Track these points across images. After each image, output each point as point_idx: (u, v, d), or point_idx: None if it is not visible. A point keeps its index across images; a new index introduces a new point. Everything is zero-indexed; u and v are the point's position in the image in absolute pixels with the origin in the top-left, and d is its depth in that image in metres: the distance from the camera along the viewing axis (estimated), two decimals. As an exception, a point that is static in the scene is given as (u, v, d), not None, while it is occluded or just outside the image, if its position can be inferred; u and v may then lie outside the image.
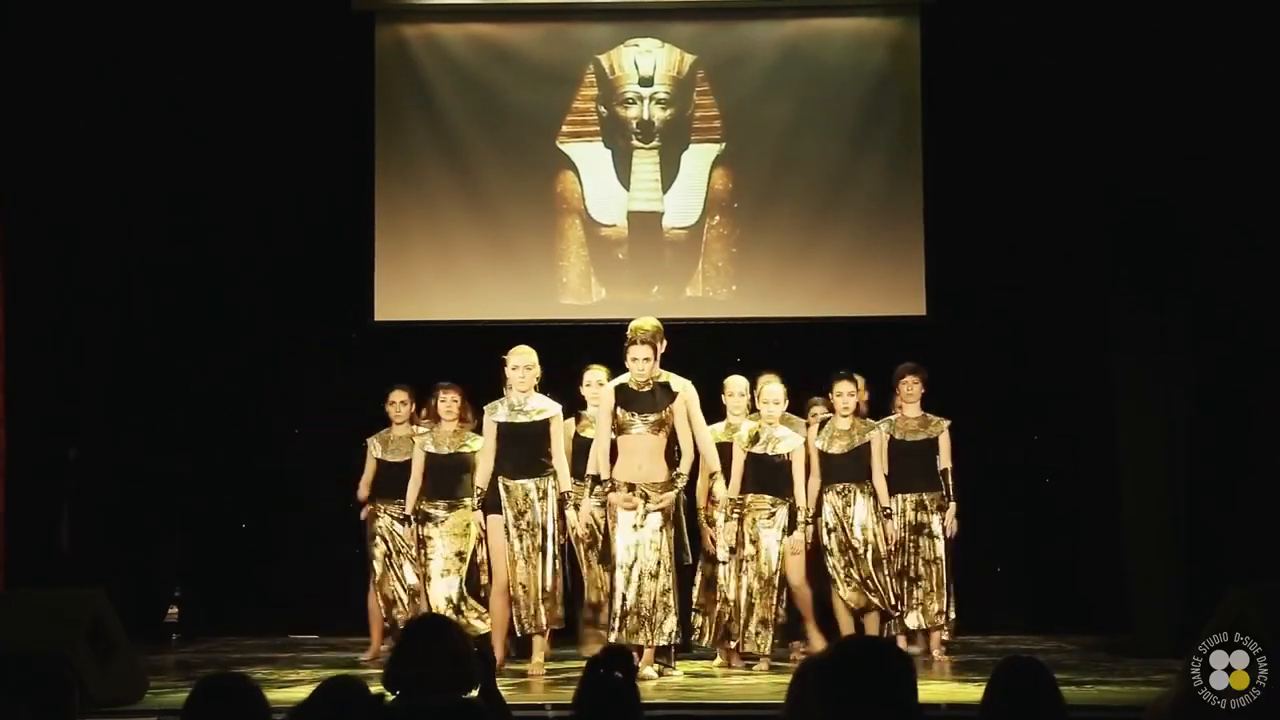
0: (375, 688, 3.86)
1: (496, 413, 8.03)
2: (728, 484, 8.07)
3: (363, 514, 8.82)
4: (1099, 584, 9.18)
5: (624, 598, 7.58)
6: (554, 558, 7.92)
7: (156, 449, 9.93)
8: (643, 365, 7.73)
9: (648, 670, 7.47)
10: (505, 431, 7.98)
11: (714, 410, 8.29)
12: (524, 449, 7.96)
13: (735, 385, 8.47)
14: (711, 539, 8.25)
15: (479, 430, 8.22)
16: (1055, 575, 9.83)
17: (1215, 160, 9.11)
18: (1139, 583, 9.31)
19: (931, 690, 7.02)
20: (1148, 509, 9.44)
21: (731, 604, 8.16)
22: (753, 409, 8.45)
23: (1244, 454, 9.11)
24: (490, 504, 7.95)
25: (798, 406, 8.75)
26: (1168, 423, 9.35)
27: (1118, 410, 9.44)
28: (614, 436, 7.79)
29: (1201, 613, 7.08)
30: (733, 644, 8.22)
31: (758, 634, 8.15)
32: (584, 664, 4.14)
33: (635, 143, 10.38)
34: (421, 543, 8.26)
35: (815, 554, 8.48)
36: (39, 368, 9.26)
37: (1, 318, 9.01)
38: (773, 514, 8.23)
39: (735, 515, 8.17)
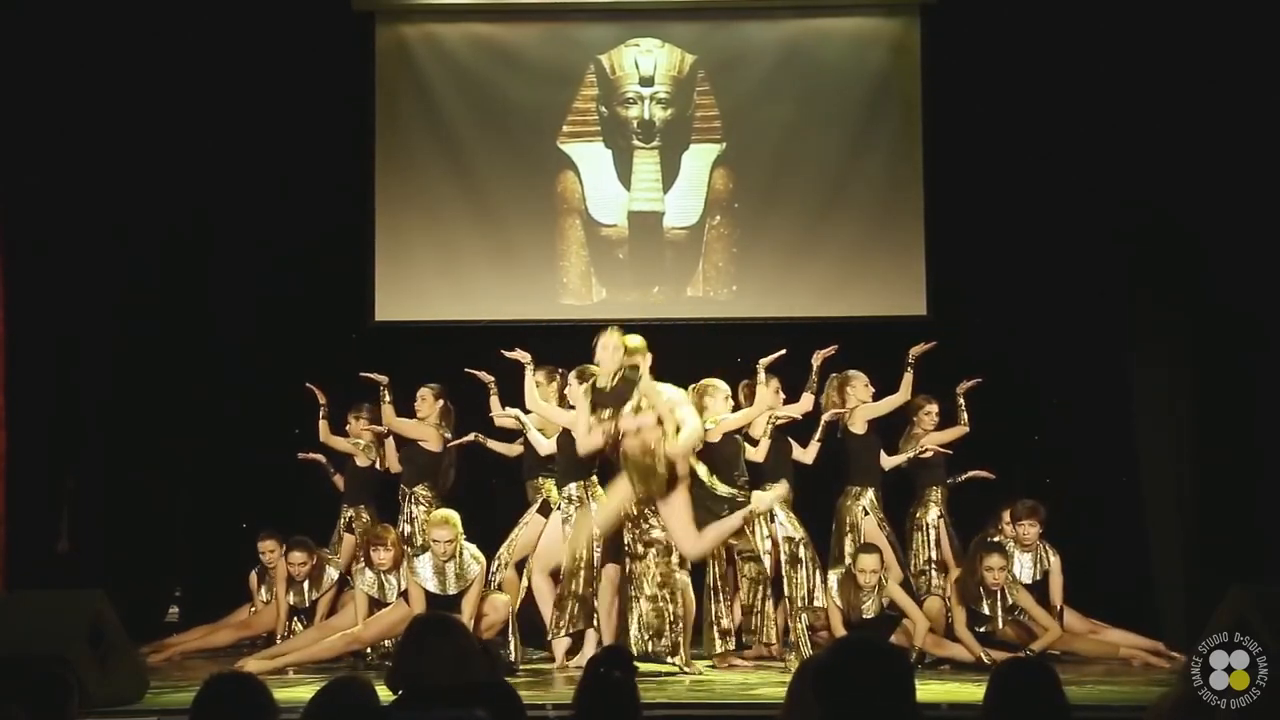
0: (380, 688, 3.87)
1: None
2: None
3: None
4: (1099, 584, 9.18)
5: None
6: None
7: (157, 449, 9.93)
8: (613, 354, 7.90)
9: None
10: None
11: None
12: None
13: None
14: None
15: None
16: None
17: (1218, 159, 9.12)
18: (1143, 583, 9.35)
19: (931, 690, 7.02)
20: (1154, 509, 9.48)
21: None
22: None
23: (1248, 455, 9.12)
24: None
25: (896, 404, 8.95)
26: (1174, 423, 9.39)
27: (1124, 410, 9.49)
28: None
29: (1200, 613, 7.10)
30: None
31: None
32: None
33: (636, 143, 10.38)
34: None
35: None
36: (40, 368, 9.26)
37: (2, 319, 9.01)
38: None
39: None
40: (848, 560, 8.35)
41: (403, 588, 8.18)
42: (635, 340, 8.03)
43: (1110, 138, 9.60)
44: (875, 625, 8.02)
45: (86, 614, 6.78)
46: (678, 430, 7.77)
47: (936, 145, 10.12)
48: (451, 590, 7.93)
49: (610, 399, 7.90)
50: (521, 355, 8.52)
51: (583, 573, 8.00)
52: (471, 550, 8.05)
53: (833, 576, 8.22)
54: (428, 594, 7.90)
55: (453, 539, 7.92)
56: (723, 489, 8.12)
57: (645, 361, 7.99)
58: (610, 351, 7.96)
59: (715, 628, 8.35)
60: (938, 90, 10.14)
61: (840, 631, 7.97)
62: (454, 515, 8.09)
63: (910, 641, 8.02)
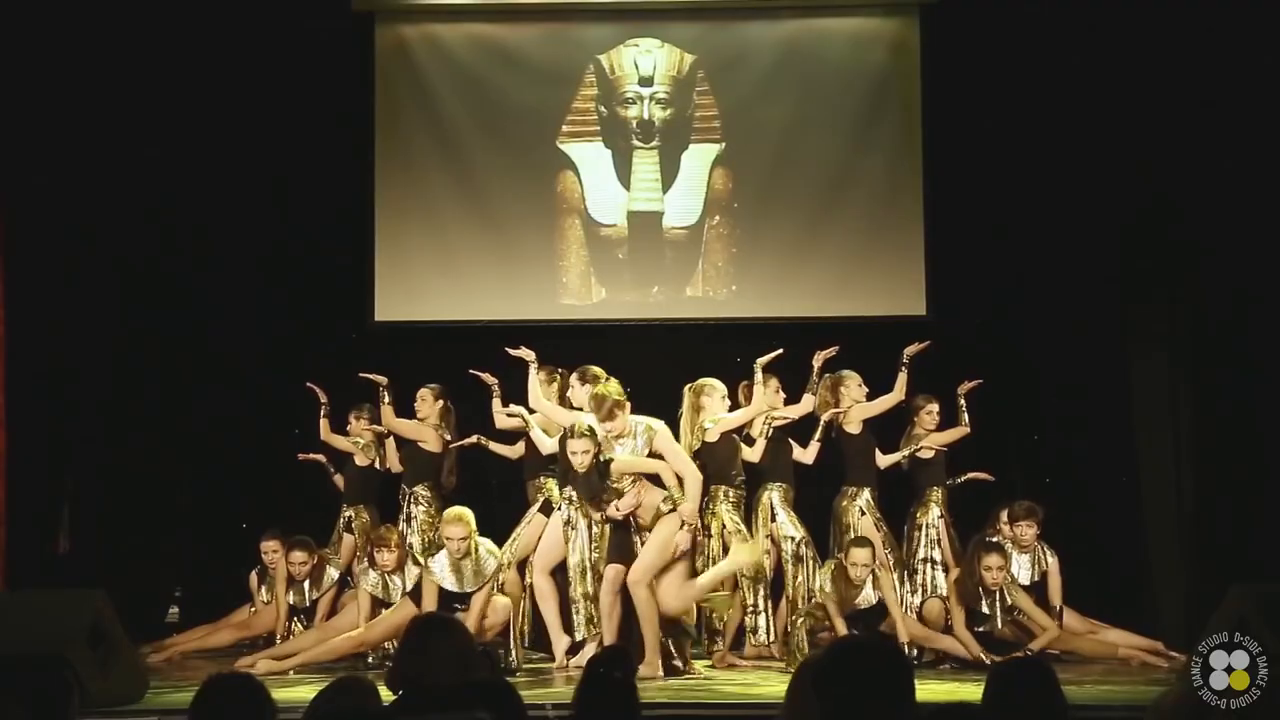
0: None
1: None
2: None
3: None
4: (1099, 584, 9.18)
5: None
6: None
7: (156, 449, 9.93)
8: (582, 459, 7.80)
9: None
10: None
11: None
12: None
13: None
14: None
15: None
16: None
17: (1218, 158, 9.13)
18: (1143, 582, 9.35)
19: (931, 690, 7.02)
20: (1153, 509, 9.48)
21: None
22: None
23: (1248, 455, 9.12)
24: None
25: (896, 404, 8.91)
26: (1174, 423, 9.39)
27: (1124, 410, 9.49)
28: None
29: (1200, 613, 7.10)
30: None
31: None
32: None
33: (635, 143, 10.38)
34: None
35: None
36: (40, 368, 9.26)
37: (2, 318, 9.02)
38: None
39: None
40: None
41: (406, 588, 8.19)
42: (590, 423, 7.94)
43: (1110, 137, 9.59)
44: (871, 614, 8.06)
45: (86, 614, 6.78)
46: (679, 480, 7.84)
47: (936, 145, 10.12)
48: (469, 587, 7.94)
49: (588, 489, 7.84)
50: (526, 353, 8.53)
51: (588, 575, 8.02)
52: (487, 545, 8.05)
53: (824, 572, 8.24)
54: (444, 591, 7.90)
55: (466, 536, 7.94)
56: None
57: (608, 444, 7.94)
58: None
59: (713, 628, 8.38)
60: (938, 90, 10.14)
61: (841, 627, 7.99)
62: (468, 513, 8.09)
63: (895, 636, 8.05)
